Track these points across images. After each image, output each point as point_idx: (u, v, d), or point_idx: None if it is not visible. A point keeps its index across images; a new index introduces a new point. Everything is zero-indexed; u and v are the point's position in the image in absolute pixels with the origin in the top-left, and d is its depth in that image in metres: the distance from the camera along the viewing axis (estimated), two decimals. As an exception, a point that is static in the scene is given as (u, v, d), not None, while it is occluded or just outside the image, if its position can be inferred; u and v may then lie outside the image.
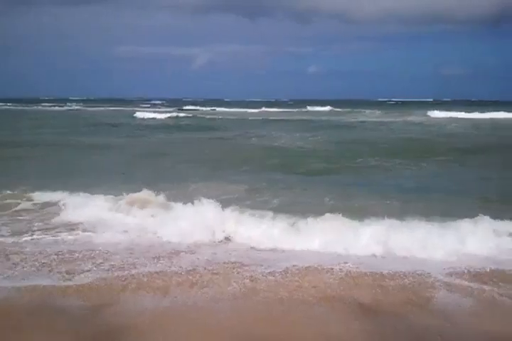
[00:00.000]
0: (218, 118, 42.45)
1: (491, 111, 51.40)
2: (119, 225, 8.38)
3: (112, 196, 9.55)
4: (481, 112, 50.01)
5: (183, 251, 7.27)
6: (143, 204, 9.07)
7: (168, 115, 45.20)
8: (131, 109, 58.93)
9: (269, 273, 6.37)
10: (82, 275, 6.31)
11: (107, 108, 66.77)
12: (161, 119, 41.62)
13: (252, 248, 7.44)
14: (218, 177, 12.21)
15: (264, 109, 63.64)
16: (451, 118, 43.71)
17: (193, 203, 8.50)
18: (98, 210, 8.93)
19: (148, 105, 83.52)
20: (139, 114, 45.81)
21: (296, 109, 64.87)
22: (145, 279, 6.20)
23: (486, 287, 5.92)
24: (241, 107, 67.81)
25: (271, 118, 42.56)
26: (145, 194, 9.44)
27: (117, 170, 13.81)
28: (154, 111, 51.64)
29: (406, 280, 6.14)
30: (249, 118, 42.80)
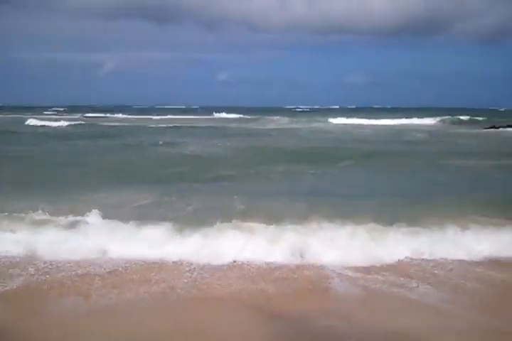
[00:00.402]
0: (122, 126, 40.78)
1: (392, 117, 54.47)
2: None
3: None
4: (383, 119, 52.82)
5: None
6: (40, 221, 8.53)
7: (67, 123, 41.48)
8: (28, 116, 55.67)
9: (187, 271, 6.72)
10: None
11: (5, 115, 62.89)
12: (55, 127, 38.75)
13: (163, 254, 7.41)
14: (122, 187, 11.80)
15: (169, 116, 62.85)
16: (352, 124, 45.80)
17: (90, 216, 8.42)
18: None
19: (51, 112, 79.83)
20: (32, 122, 42.28)
21: (204, 116, 64.81)
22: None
23: (371, 276, 6.68)
24: (147, 114, 66.61)
25: (178, 125, 42.09)
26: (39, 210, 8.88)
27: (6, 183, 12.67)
28: (55, 119, 49.03)
29: (307, 272, 6.77)
30: (156, 125, 41.98)
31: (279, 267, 6.95)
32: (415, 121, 52.15)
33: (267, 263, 7.06)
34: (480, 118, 52.74)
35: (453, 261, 7.31)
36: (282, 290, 6.21)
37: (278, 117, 58.06)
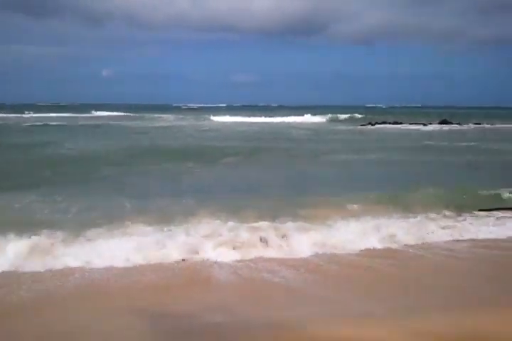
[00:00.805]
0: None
1: (277, 115, 56.02)
2: None
3: None
4: (268, 117, 54.17)
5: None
6: None
7: None
8: None
9: (74, 273, 6.57)
10: None
11: None
12: None
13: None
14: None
15: (45, 114, 58.58)
16: (238, 122, 46.49)
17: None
18: None
19: None
20: None
21: (84, 114, 61.93)
22: None
23: (256, 270, 6.83)
24: (20, 112, 61.93)
25: (55, 123, 39.88)
26: None
27: None
28: None
29: (194, 268, 6.85)
30: (31, 123, 39.37)
31: (167, 265, 6.91)
32: (299, 119, 54.05)
33: (154, 263, 6.97)
34: (359, 116, 55.85)
35: (338, 253, 7.56)
36: (169, 288, 6.18)
37: (164, 115, 57.35)
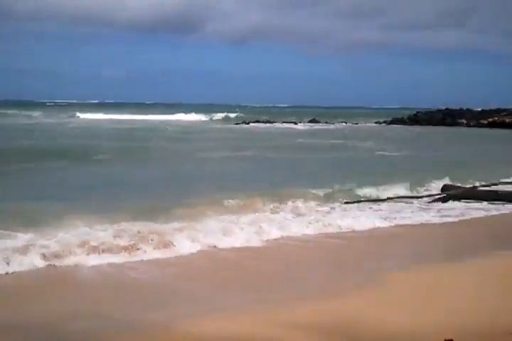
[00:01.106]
0: None
1: (151, 113, 55.28)
2: None
3: None
4: (140, 114, 53.17)
5: None
6: None
7: None
8: None
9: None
10: None
11: None
12: None
13: None
14: None
15: None
16: (109, 119, 45.23)
17: None
18: None
19: None
20: None
21: None
22: None
23: (115, 267, 6.69)
24: None
25: None
26: None
27: None
28: None
29: (63, 274, 6.50)
30: None
31: (31, 272, 6.45)
32: (174, 117, 53.79)
33: (17, 270, 6.46)
34: (233, 115, 56.87)
35: (213, 250, 7.58)
36: (33, 296, 5.79)
37: (28, 112, 53.84)
